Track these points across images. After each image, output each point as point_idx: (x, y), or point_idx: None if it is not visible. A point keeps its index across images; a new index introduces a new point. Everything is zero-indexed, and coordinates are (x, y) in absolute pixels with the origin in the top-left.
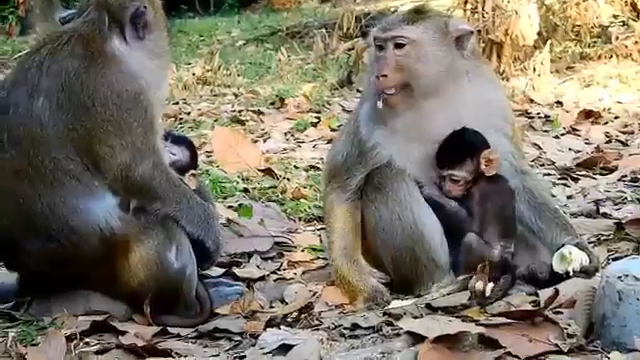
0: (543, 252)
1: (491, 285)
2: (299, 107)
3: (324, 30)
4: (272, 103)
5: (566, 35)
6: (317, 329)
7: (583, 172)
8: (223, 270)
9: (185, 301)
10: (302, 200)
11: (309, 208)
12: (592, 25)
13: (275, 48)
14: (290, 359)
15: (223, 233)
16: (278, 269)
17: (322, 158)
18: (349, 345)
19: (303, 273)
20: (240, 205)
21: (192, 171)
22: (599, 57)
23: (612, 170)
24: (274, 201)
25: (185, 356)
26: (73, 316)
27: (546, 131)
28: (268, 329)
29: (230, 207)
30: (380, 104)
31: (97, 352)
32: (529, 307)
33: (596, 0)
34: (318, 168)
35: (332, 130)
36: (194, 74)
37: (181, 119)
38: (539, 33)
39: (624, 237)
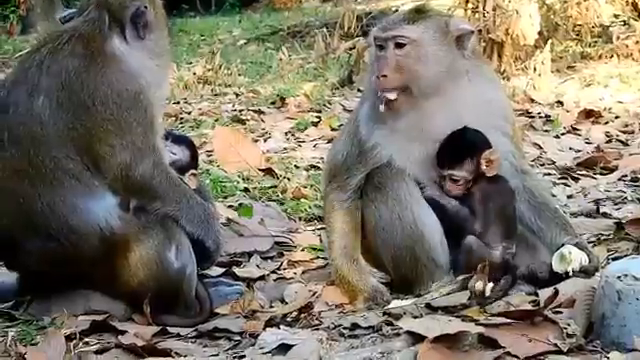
0: (543, 252)
1: (491, 285)
2: (300, 106)
3: (325, 29)
4: (273, 102)
5: (567, 35)
6: (317, 329)
7: (583, 172)
8: (223, 270)
9: (185, 301)
10: (302, 200)
11: (309, 208)
12: (593, 25)
13: (276, 47)
14: (290, 359)
15: (223, 233)
16: (278, 269)
17: (322, 158)
18: (349, 345)
19: (303, 273)
20: (240, 205)
21: (192, 171)
22: (600, 57)
23: (612, 170)
24: (274, 201)
25: (185, 356)
26: (73, 316)
27: (546, 131)
28: (268, 329)
29: (230, 207)
30: (382, 108)
31: (97, 352)
32: (529, 307)
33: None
34: (319, 168)
35: (333, 130)
36: (195, 73)
37: (182, 118)
38: (540, 33)
39: (624, 237)
